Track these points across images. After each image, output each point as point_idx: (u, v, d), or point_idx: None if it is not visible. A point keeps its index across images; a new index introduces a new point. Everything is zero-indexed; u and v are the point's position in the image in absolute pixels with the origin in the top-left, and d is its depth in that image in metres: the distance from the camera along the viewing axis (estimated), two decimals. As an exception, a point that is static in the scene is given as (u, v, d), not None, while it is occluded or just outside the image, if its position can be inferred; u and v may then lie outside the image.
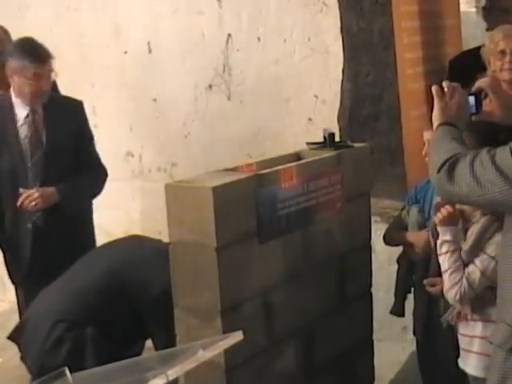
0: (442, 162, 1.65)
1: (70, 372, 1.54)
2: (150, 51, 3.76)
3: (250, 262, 2.23)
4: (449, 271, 2.13)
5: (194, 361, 1.51)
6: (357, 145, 2.71)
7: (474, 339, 2.18)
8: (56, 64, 4.02)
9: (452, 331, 2.33)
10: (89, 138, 3.09)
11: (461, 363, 2.25)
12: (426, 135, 2.36)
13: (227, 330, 2.07)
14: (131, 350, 2.56)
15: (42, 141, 2.93)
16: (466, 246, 2.15)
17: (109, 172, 3.10)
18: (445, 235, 2.15)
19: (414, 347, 2.71)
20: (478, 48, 2.83)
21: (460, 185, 1.61)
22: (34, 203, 2.81)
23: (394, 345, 2.83)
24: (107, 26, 3.90)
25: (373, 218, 2.76)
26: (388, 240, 2.65)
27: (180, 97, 3.74)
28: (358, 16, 3.31)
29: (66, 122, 2.96)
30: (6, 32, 3.31)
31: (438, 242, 2.18)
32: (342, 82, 3.33)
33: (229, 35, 3.59)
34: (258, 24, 3.52)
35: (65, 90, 3.30)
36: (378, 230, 2.75)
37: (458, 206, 2.16)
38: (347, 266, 2.61)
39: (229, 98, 3.64)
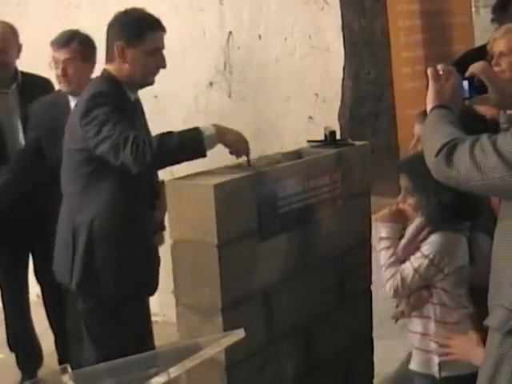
0: (440, 147, 1.63)
1: (71, 368, 1.54)
2: (150, 48, 3.76)
3: (251, 260, 2.23)
4: (384, 267, 2.22)
5: (195, 358, 1.51)
6: (357, 143, 2.72)
7: (416, 335, 2.24)
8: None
9: None
10: None
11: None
12: (418, 130, 2.37)
13: (228, 327, 2.07)
14: None
15: None
16: (402, 243, 2.22)
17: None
18: (381, 232, 2.26)
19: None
20: (482, 46, 2.83)
21: (459, 170, 1.60)
22: None
23: (393, 342, 2.83)
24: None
25: (373, 217, 2.76)
26: None
27: (181, 94, 3.74)
28: (359, 14, 3.31)
29: None
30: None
31: (377, 239, 2.27)
32: (343, 80, 3.33)
33: (230, 33, 3.59)
34: (258, 22, 3.52)
35: (65, 86, 3.28)
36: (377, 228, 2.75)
37: (400, 206, 2.23)
38: (347, 264, 2.62)
39: (229, 96, 3.64)
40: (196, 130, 2.29)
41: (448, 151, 1.62)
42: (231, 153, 2.32)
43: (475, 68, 1.88)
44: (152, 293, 2.71)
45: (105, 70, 2.51)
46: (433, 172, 1.69)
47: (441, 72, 1.82)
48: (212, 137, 2.27)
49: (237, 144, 2.31)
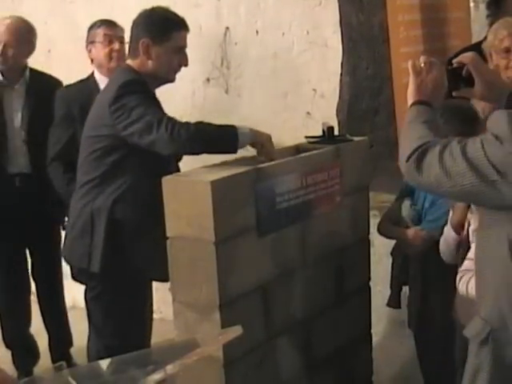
0: (411, 152, 1.62)
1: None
2: (147, 44, 3.74)
3: (249, 256, 2.22)
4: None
5: (193, 356, 1.49)
6: (356, 139, 2.70)
7: None
8: (51, 56, 4.00)
9: (450, 324, 2.33)
10: None
11: None
12: None
13: (226, 324, 2.06)
14: None
15: None
16: None
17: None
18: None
19: (412, 341, 2.70)
20: (479, 43, 2.81)
21: (429, 176, 1.58)
22: None
23: (392, 339, 2.82)
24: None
25: (371, 212, 2.75)
26: (383, 232, 2.66)
27: (177, 90, 3.70)
28: (357, 9, 3.29)
29: None
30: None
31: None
32: (341, 75, 3.32)
33: (227, 28, 3.57)
34: (256, 17, 3.51)
35: (61, 82, 3.27)
36: (376, 224, 2.74)
37: None
38: (346, 260, 2.61)
39: (226, 92, 3.63)
40: (231, 126, 2.36)
41: (418, 157, 1.60)
42: (259, 154, 2.37)
43: (465, 58, 1.84)
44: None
45: (126, 64, 2.54)
46: (404, 176, 1.67)
47: (422, 65, 1.77)
48: (246, 135, 2.33)
49: (268, 147, 2.37)
